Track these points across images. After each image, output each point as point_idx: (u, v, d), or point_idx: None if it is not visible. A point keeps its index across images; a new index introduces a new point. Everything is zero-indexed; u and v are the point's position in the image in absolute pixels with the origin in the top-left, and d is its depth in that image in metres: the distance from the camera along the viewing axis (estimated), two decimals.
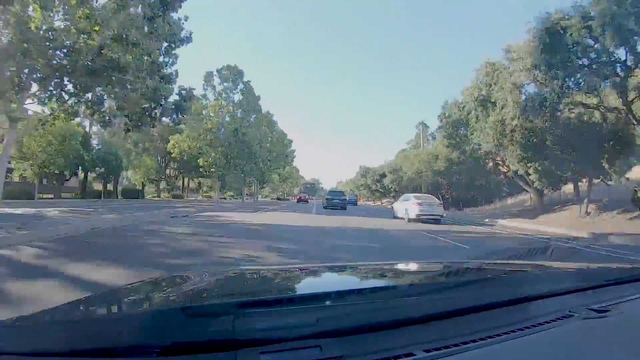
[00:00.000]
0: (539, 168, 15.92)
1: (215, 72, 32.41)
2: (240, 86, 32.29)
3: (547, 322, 1.07)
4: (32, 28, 7.13)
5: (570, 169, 14.97)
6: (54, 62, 7.72)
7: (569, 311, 1.13)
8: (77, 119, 17.57)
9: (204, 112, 30.57)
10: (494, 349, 0.92)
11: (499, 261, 1.74)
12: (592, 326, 1.08)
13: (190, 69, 39.08)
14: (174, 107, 10.94)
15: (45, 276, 3.69)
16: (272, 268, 2.14)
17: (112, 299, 1.18)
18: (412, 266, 1.80)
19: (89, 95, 9.24)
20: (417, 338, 0.94)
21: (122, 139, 29.26)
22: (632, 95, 12.08)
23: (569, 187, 18.44)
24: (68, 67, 7.70)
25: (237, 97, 32.47)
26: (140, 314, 0.92)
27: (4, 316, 0.89)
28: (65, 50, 7.70)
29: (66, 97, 8.85)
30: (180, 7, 9.68)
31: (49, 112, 9.76)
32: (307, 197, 52.38)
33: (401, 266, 1.80)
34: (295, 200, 52.56)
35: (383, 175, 48.11)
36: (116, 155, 28.95)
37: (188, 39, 10.85)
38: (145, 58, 8.91)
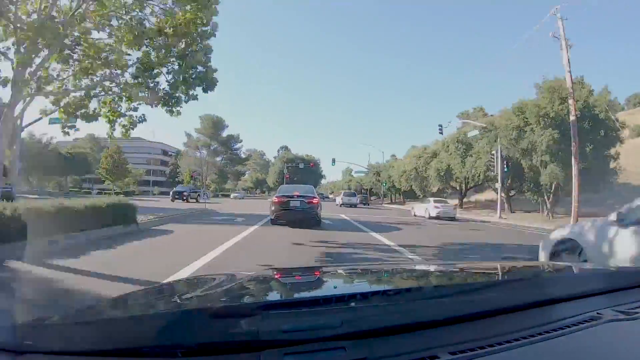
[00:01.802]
0: None
1: None
2: None
3: (573, 325, 1.04)
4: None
5: None
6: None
7: (597, 313, 1.11)
8: None
9: None
10: (519, 352, 0.91)
11: (525, 263, 1.66)
12: (619, 329, 1.05)
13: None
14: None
15: None
16: (297, 270, 2.20)
17: (138, 300, 1.20)
18: (437, 267, 1.79)
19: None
20: (442, 340, 0.92)
21: None
22: None
23: None
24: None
25: None
26: (165, 314, 0.94)
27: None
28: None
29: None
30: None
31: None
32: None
33: (425, 267, 1.76)
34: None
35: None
36: None
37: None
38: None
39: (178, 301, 1.14)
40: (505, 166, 20.55)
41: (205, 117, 65.95)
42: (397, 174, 38.84)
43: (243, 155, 75.57)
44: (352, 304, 0.98)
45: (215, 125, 66.42)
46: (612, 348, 1.00)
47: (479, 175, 25.14)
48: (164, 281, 1.47)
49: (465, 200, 32.27)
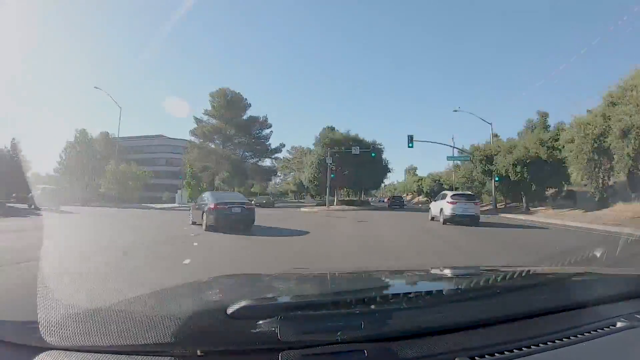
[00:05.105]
0: None
1: None
2: None
3: (595, 331, 1.09)
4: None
5: None
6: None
7: (620, 319, 1.16)
8: None
9: None
10: (539, 357, 0.95)
11: (547, 267, 1.84)
12: None
13: None
14: None
15: None
16: (318, 272, 2.30)
17: (160, 299, 1.30)
18: (457, 271, 1.92)
19: None
20: (462, 344, 0.98)
21: None
22: None
23: None
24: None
25: None
26: (185, 314, 1.00)
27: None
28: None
29: None
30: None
31: None
32: None
33: (446, 271, 1.89)
34: None
35: None
36: None
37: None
38: None
39: (199, 301, 1.25)
40: None
41: (217, 93, 46.28)
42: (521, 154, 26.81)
43: (272, 146, 62.06)
44: (372, 307, 1.02)
45: (231, 104, 53.83)
46: (634, 355, 1.04)
47: None
48: (186, 282, 1.54)
49: None
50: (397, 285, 1.59)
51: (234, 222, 12.72)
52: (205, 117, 55.20)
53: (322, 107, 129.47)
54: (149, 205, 37.91)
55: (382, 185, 61.17)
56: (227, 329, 0.91)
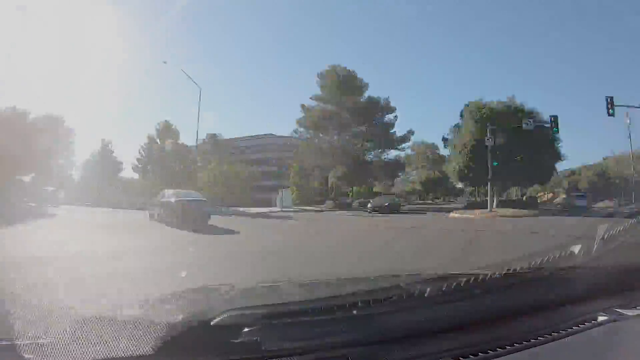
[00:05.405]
0: None
1: None
2: None
3: (577, 326, 1.12)
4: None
5: None
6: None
7: (601, 313, 1.19)
8: None
9: None
10: (521, 355, 0.95)
11: (525, 266, 1.82)
12: (621, 329, 1.10)
13: None
14: None
15: None
16: (299, 280, 2.23)
17: (140, 310, 1.30)
18: (438, 273, 1.98)
19: None
20: (445, 346, 0.98)
21: None
22: None
23: None
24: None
25: None
26: (167, 324, 0.98)
27: None
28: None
29: None
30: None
31: None
32: None
33: (426, 275, 1.91)
34: None
35: None
36: None
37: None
38: None
39: (180, 311, 1.21)
40: None
41: (327, 72, 45.03)
42: None
43: (398, 135, 48.95)
44: (354, 312, 1.03)
45: (344, 84, 43.98)
46: (614, 348, 1.04)
47: None
48: (167, 292, 1.51)
49: None
50: (379, 290, 1.52)
51: (189, 216, 14.13)
52: (314, 104, 46.55)
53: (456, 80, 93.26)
54: (240, 208, 30.05)
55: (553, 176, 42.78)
56: (210, 339, 0.91)
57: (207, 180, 38.65)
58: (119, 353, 0.86)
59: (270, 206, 36.16)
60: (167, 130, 44.08)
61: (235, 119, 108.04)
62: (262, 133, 70.15)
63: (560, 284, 1.45)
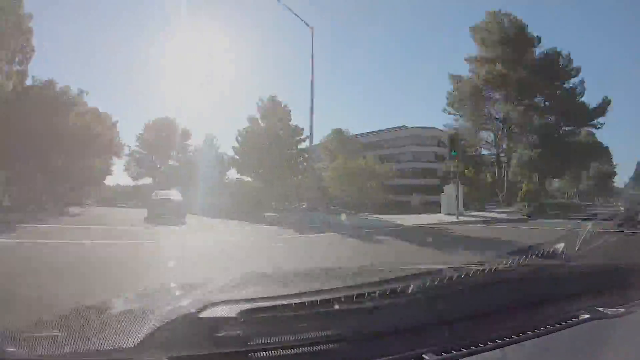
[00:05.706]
0: None
1: None
2: None
3: (559, 323, 1.15)
4: None
5: None
6: None
7: (582, 312, 1.22)
8: None
9: None
10: (504, 352, 0.98)
11: (511, 263, 1.82)
12: (602, 328, 1.13)
13: None
14: None
15: None
16: (285, 273, 2.45)
17: (125, 304, 1.35)
18: (423, 268, 1.92)
19: None
20: (428, 341, 1.00)
21: None
22: None
23: None
24: None
25: None
26: (152, 318, 1.00)
27: None
28: None
29: None
30: None
31: None
32: None
33: (411, 269, 1.90)
34: None
35: None
36: None
37: None
38: None
39: (165, 305, 1.21)
40: None
41: (487, 21, 26.78)
42: None
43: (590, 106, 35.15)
44: (339, 307, 1.04)
45: (509, 35, 31.96)
46: (595, 347, 1.07)
47: None
48: (151, 287, 1.71)
49: None
50: (362, 285, 1.51)
51: (165, 213, 16.80)
52: (472, 66, 34.42)
53: None
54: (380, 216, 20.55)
55: None
56: (195, 333, 0.92)
57: (333, 176, 31.57)
58: (103, 345, 0.88)
59: (420, 212, 24.98)
60: (273, 107, 32.89)
61: (357, 114, 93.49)
62: (392, 126, 60.55)
63: (543, 281, 1.49)
